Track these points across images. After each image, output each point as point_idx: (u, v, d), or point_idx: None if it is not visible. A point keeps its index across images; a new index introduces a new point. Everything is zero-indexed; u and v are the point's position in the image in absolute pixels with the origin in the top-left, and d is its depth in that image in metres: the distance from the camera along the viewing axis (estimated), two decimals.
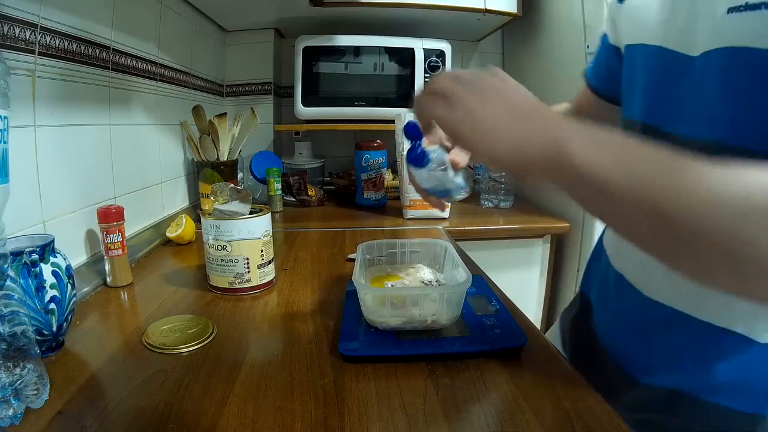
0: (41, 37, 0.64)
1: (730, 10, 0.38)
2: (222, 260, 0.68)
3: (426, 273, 0.66)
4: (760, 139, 0.38)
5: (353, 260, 0.63)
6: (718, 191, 0.29)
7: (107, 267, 0.72)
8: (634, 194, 0.31)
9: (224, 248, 0.67)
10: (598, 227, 1.15)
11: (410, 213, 1.21)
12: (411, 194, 1.20)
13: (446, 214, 1.22)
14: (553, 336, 0.71)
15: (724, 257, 0.29)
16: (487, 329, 0.54)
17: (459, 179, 0.53)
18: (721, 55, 0.40)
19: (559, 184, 0.35)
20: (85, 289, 0.69)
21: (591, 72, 0.67)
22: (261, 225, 0.69)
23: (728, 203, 0.28)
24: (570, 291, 1.26)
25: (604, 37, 0.62)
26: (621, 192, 0.31)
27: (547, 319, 1.32)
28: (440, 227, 1.13)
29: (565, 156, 0.33)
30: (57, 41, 0.67)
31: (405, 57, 1.39)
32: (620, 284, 0.53)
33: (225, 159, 1.18)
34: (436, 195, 0.55)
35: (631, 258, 0.53)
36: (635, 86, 0.51)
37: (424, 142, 0.54)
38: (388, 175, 1.42)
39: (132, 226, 0.88)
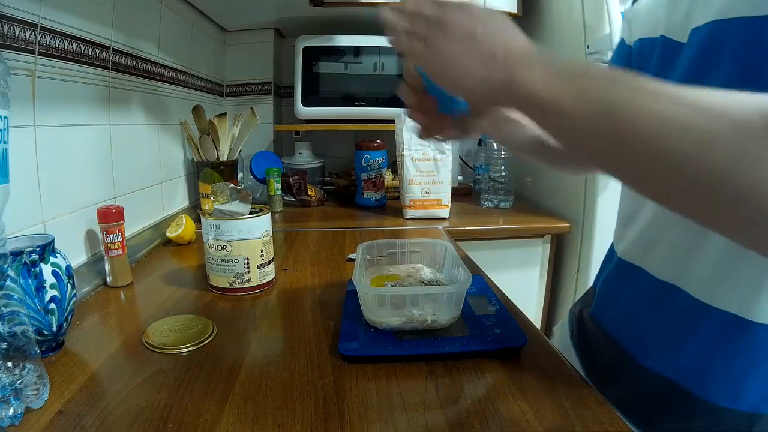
0: (41, 37, 0.64)
1: None
2: (222, 260, 0.68)
3: (426, 273, 0.66)
4: None
5: (353, 260, 0.63)
6: (676, 104, 0.28)
7: (107, 267, 0.72)
8: (589, 115, 0.31)
9: (224, 248, 0.67)
10: (598, 227, 1.15)
11: (410, 213, 1.21)
12: (411, 194, 1.20)
13: (446, 214, 1.22)
14: (562, 328, 0.71)
15: (692, 175, 0.27)
16: (487, 329, 0.54)
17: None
18: (726, 26, 0.40)
19: (522, 113, 0.36)
20: (85, 289, 0.69)
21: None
22: (261, 225, 0.69)
23: (689, 116, 0.27)
24: (570, 291, 1.26)
25: (621, 42, 0.62)
26: (576, 115, 0.32)
27: (547, 319, 1.32)
28: (440, 227, 1.13)
29: (521, 86, 0.35)
30: (57, 41, 0.67)
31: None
32: (624, 266, 0.54)
33: (225, 159, 1.18)
34: (440, 104, 0.49)
35: (634, 239, 0.53)
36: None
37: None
38: (388, 175, 1.42)
39: (132, 226, 0.88)
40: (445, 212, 1.22)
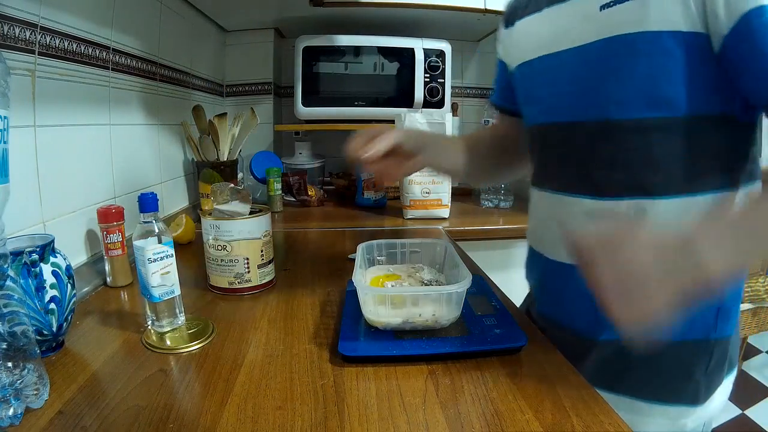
0: (41, 37, 0.64)
1: (603, 7, 0.49)
2: (222, 260, 0.68)
3: (426, 273, 0.66)
4: (638, 108, 0.49)
5: (353, 260, 0.63)
6: None
7: (107, 267, 0.72)
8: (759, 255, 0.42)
9: (224, 248, 0.67)
10: None
11: (410, 213, 1.21)
12: (411, 194, 1.20)
13: (446, 214, 1.22)
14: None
15: None
16: (487, 329, 0.54)
17: None
18: (598, 45, 0.50)
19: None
20: (85, 289, 0.69)
21: (495, 95, 0.77)
22: (261, 225, 0.69)
23: None
24: None
25: (500, 62, 0.72)
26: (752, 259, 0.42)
27: None
28: (440, 227, 1.13)
29: (711, 280, 0.38)
30: (57, 41, 0.67)
31: (405, 57, 1.39)
32: (542, 262, 0.62)
33: (225, 159, 1.18)
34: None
35: (542, 234, 0.63)
36: (530, 97, 0.62)
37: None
38: None
39: (132, 226, 0.88)
40: (445, 212, 1.22)
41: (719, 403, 0.54)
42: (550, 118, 0.58)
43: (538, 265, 0.65)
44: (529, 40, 0.61)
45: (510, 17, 0.65)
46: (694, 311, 0.45)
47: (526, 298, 0.75)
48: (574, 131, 0.55)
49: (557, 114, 0.57)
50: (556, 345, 0.54)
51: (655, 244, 0.40)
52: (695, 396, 0.53)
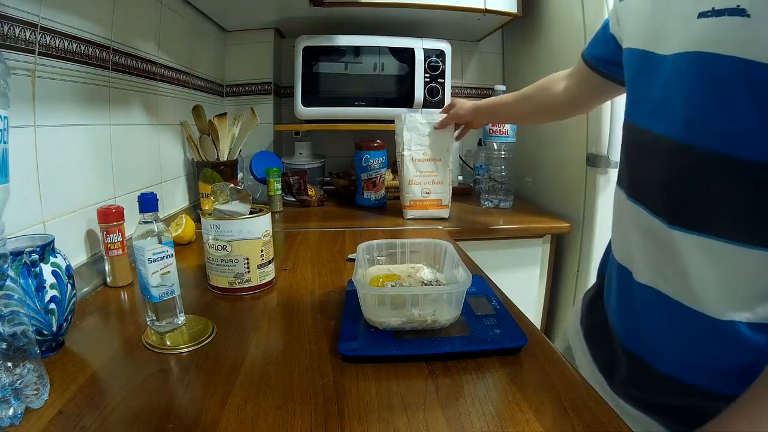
0: (41, 37, 0.64)
1: (701, 15, 0.42)
2: (222, 260, 0.68)
3: (426, 273, 0.66)
4: (715, 140, 0.42)
5: (353, 260, 0.63)
6: None
7: (107, 267, 0.72)
8: None
9: (224, 248, 0.67)
10: (598, 227, 1.15)
11: (410, 213, 1.21)
12: (411, 194, 1.20)
13: (446, 214, 1.22)
14: (575, 314, 0.72)
15: None
16: (487, 329, 0.54)
17: None
18: (690, 58, 0.44)
19: None
20: (85, 289, 0.69)
21: (589, 49, 0.74)
22: (261, 225, 0.69)
23: None
24: (570, 291, 1.26)
25: (606, 23, 0.67)
26: None
27: (547, 319, 1.32)
28: (440, 227, 1.13)
29: None
30: (57, 41, 0.67)
31: (405, 57, 1.39)
32: (619, 270, 0.57)
33: (225, 159, 1.18)
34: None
35: (625, 247, 0.56)
36: (636, 90, 0.55)
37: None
38: (388, 175, 1.42)
39: (132, 226, 0.88)
40: (445, 212, 1.22)
41: None
42: (638, 120, 0.53)
43: (609, 262, 0.61)
44: (633, 23, 0.55)
45: None
46: None
47: (596, 284, 0.69)
48: (653, 143, 0.49)
49: (644, 118, 0.51)
50: (601, 341, 0.54)
51: None
52: None
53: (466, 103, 1.09)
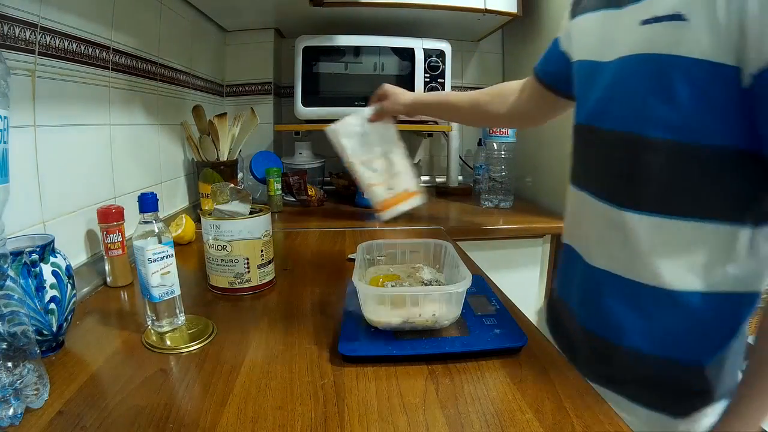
0: (41, 37, 0.64)
1: (644, 22, 0.50)
2: (222, 260, 0.68)
3: (426, 273, 0.66)
4: (658, 128, 0.49)
5: (353, 260, 0.63)
6: None
7: (107, 267, 0.72)
8: None
9: (224, 248, 0.67)
10: None
11: (385, 215, 1.06)
12: (375, 197, 1.07)
13: (420, 200, 1.09)
14: (540, 313, 0.78)
15: None
16: (487, 329, 0.54)
17: None
18: (633, 59, 0.51)
19: None
20: (85, 289, 0.69)
21: (540, 66, 0.80)
22: (261, 225, 0.69)
23: None
24: None
25: (557, 41, 0.74)
26: None
27: None
28: (440, 227, 1.13)
29: None
30: (57, 41, 0.67)
31: (405, 57, 1.39)
32: (575, 257, 0.64)
33: (225, 159, 1.18)
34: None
35: (582, 238, 0.63)
36: (581, 97, 0.63)
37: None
38: None
39: (132, 226, 0.88)
40: (418, 200, 1.08)
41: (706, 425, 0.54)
42: (588, 121, 0.60)
43: (571, 260, 0.66)
44: (583, 39, 0.63)
45: (574, 8, 0.66)
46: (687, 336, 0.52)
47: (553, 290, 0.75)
48: (609, 139, 0.56)
49: (594, 118, 0.59)
50: (564, 333, 0.58)
51: None
52: (681, 410, 0.54)
53: (402, 96, 1.02)
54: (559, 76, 0.73)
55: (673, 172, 0.50)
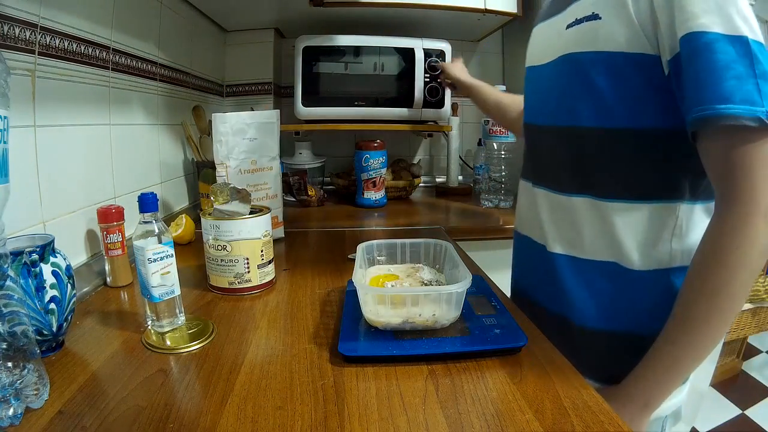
0: (41, 37, 0.64)
1: (568, 26, 0.57)
2: (222, 260, 0.68)
3: (426, 273, 0.66)
4: (588, 118, 0.56)
5: (353, 260, 0.63)
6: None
7: (107, 267, 0.72)
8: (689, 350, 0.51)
9: (224, 248, 0.67)
10: None
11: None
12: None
13: (281, 232, 0.99)
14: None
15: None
16: (487, 329, 0.54)
17: None
18: (560, 60, 0.59)
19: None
20: (85, 289, 0.69)
21: None
22: (261, 225, 0.69)
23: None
24: None
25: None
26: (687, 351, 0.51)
27: None
28: (440, 227, 1.13)
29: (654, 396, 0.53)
30: (57, 41, 0.67)
31: (405, 57, 1.39)
32: (527, 243, 0.70)
33: None
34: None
35: (537, 228, 0.67)
36: (526, 99, 0.72)
37: None
38: (388, 175, 1.42)
39: (132, 226, 0.88)
40: (280, 231, 0.98)
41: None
42: (533, 120, 0.69)
43: (527, 248, 0.72)
44: (531, 48, 0.70)
45: (536, 21, 0.72)
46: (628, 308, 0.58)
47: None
48: (545, 133, 0.65)
49: (537, 117, 0.67)
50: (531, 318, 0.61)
51: None
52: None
53: (466, 75, 1.22)
54: None
55: (609, 157, 0.55)
